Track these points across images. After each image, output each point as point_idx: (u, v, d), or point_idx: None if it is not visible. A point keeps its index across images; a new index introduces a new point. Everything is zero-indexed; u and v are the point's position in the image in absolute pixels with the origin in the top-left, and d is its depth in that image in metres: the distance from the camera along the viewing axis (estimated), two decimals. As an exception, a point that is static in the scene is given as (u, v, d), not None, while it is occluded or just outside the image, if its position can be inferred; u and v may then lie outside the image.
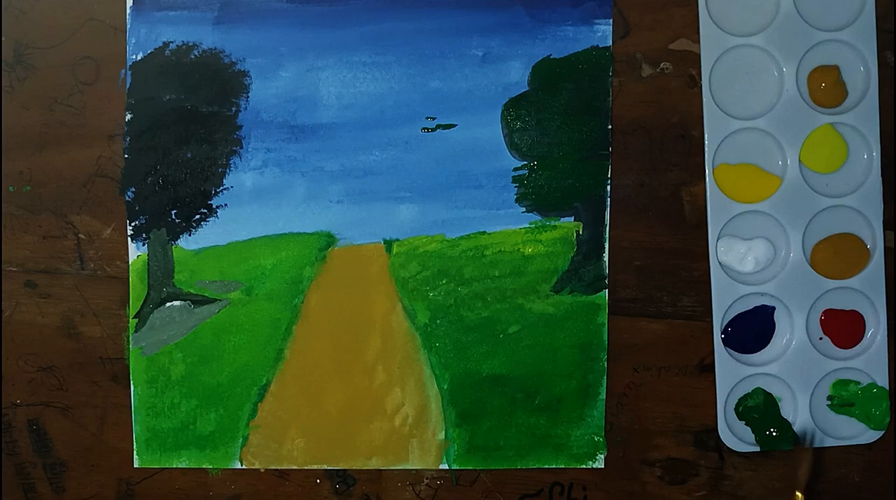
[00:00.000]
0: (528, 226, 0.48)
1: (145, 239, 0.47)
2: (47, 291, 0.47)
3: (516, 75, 0.47)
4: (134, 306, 0.47)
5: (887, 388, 0.49)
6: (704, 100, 0.47)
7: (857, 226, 0.49)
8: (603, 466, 0.49)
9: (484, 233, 0.47)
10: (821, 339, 0.49)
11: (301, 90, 0.47)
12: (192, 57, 0.46)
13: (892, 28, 0.48)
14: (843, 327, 0.49)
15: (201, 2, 0.46)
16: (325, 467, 0.48)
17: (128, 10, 0.46)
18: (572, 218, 0.48)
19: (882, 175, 0.48)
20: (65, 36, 0.46)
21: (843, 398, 0.49)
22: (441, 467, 0.48)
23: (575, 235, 0.48)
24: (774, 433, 0.49)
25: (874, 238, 0.49)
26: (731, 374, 0.48)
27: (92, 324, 0.47)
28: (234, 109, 0.47)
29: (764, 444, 0.49)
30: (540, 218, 0.48)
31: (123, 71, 0.46)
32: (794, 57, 0.47)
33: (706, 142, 0.48)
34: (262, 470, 0.48)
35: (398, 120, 0.47)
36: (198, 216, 0.47)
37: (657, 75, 0.48)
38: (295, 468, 0.48)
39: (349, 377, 0.48)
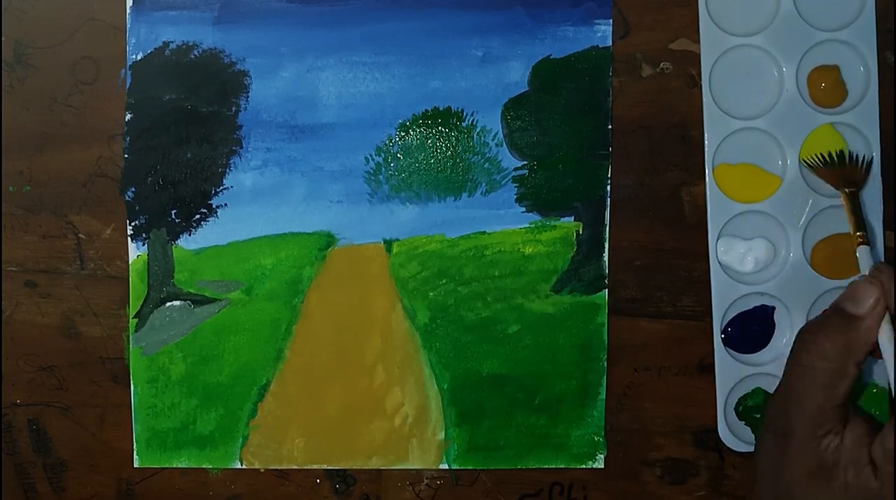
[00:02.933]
0: (528, 226, 0.48)
1: (145, 239, 0.47)
2: (47, 291, 0.47)
3: (516, 75, 0.47)
4: (134, 305, 0.47)
5: (887, 388, 0.49)
6: (704, 100, 0.47)
7: (858, 226, 0.49)
8: (603, 466, 0.49)
9: (484, 233, 0.48)
10: (821, 339, 0.49)
11: (301, 90, 0.47)
12: (192, 57, 0.46)
13: (892, 28, 0.48)
14: (843, 327, 0.49)
15: (201, 2, 0.46)
16: (325, 467, 0.48)
17: (128, 10, 0.46)
18: (572, 218, 0.48)
19: (882, 175, 0.48)
20: (65, 36, 0.46)
21: (843, 398, 0.49)
22: (441, 467, 0.48)
23: (575, 235, 0.48)
24: (774, 433, 0.49)
25: (874, 238, 0.48)
26: (731, 374, 0.48)
27: (92, 324, 0.47)
28: (234, 109, 0.47)
29: (764, 444, 0.49)
30: (540, 218, 0.48)
31: (123, 71, 0.46)
32: (794, 57, 0.47)
33: (706, 142, 0.48)
34: (262, 470, 0.48)
35: (398, 120, 0.47)
36: (198, 216, 0.47)
37: (657, 75, 0.48)
38: (295, 467, 0.48)
39: (349, 377, 0.48)
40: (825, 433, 0.40)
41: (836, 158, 0.47)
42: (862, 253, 0.44)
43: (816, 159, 0.47)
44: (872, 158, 0.47)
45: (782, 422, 0.41)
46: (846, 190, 0.46)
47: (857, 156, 0.47)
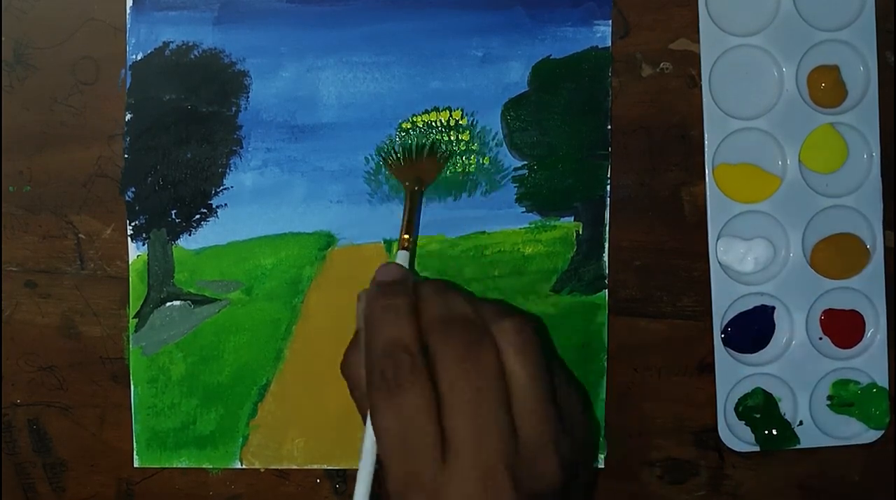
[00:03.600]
0: (527, 226, 0.48)
1: (145, 239, 0.47)
2: (47, 291, 0.47)
3: (516, 75, 0.47)
4: (134, 305, 0.47)
5: (887, 388, 0.49)
6: (704, 100, 0.47)
7: (857, 226, 0.49)
8: (603, 466, 0.49)
9: (484, 233, 0.48)
10: (821, 339, 0.49)
11: (301, 90, 0.47)
12: (192, 57, 0.46)
13: (892, 28, 0.48)
14: (843, 327, 0.49)
15: (201, 2, 0.46)
16: (325, 466, 0.48)
17: (128, 10, 0.46)
18: (572, 218, 0.48)
19: (882, 175, 0.48)
20: (65, 36, 0.46)
21: (843, 398, 0.49)
22: (441, 467, 0.48)
23: (575, 235, 0.48)
24: (774, 433, 0.49)
25: (874, 238, 0.49)
26: (731, 374, 0.49)
27: (92, 324, 0.47)
28: (234, 109, 0.47)
29: (764, 444, 0.49)
30: (540, 218, 0.48)
31: (123, 71, 0.46)
32: (794, 57, 0.47)
33: (706, 142, 0.48)
34: (262, 470, 0.48)
35: (398, 120, 0.47)
36: (198, 216, 0.47)
37: (657, 75, 0.48)
38: (295, 467, 0.48)
39: (349, 377, 0.48)
40: None
41: (414, 151, 0.46)
42: (400, 258, 0.43)
43: (394, 154, 0.46)
44: (451, 153, 0.46)
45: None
46: (415, 188, 0.45)
47: (438, 148, 0.46)
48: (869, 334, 0.49)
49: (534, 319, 0.47)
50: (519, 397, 0.36)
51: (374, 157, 0.47)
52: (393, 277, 0.40)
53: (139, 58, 0.46)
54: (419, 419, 0.35)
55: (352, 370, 0.40)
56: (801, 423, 0.49)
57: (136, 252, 0.47)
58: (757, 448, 0.49)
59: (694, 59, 0.48)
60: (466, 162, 0.47)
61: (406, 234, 0.44)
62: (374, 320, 0.38)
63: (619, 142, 0.48)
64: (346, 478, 0.49)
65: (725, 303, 0.48)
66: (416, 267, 0.47)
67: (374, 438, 0.37)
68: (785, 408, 0.49)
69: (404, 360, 0.36)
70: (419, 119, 0.47)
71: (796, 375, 0.49)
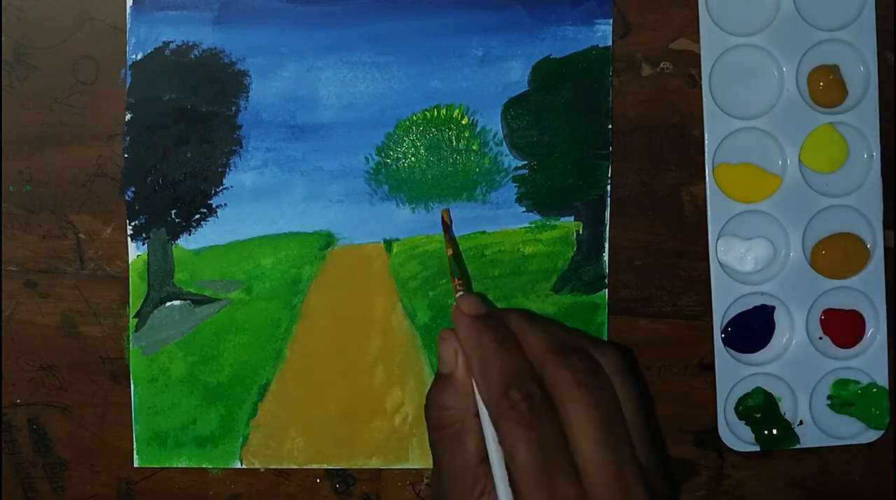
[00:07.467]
0: (527, 226, 0.48)
1: (145, 239, 0.47)
2: (47, 290, 0.47)
3: (516, 75, 0.47)
4: (134, 305, 0.47)
5: (887, 388, 0.49)
6: (704, 100, 0.47)
7: (857, 226, 0.49)
8: (603, 466, 0.49)
9: (484, 233, 0.48)
10: (821, 338, 0.49)
11: (301, 90, 0.47)
12: (192, 57, 0.46)
13: (892, 28, 0.48)
14: (843, 327, 0.49)
15: (201, 2, 0.46)
16: (325, 466, 0.48)
17: (128, 10, 0.46)
18: (572, 218, 0.48)
19: (882, 175, 0.48)
20: (65, 36, 0.46)
21: (843, 398, 0.49)
22: (441, 466, 0.48)
23: (575, 234, 0.48)
24: (774, 433, 0.49)
25: (874, 238, 0.49)
26: (731, 374, 0.49)
27: (92, 324, 0.47)
28: (234, 108, 0.47)
29: (764, 444, 0.49)
30: (540, 218, 0.48)
31: (123, 71, 0.46)
32: (793, 56, 0.47)
33: (706, 142, 0.48)
34: (262, 470, 0.48)
35: (398, 119, 0.47)
36: (198, 216, 0.47)
37: (657, 75, 0.48)
38: (295, 467, 0.48)
39: (349, 377, 0.48)
40: (479, 494, 0.38)
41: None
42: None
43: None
44: None
45: (437, 492, 0.40)
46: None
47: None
48: (869, 334, 0.49)
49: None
50: (632, 423, 0.37)
51: (373, 157, 0.47)
52: (480, 310, 0.40)
53: (139, 58, 0.46)
54: (558, 447, 0.35)
55: (438, 411, 0.40)
56: (801, 423, 0.49)
57: (136, 252, 0.47)
58: (757, 448, 0.49)
59: (694, 59, 0.48)
60: (467, 162, 0.47)
61: (459, 279, 0.42)
62: (486, 354, 0.38)
63: (619, 142, 0.48)
64: (346, 478, 0.49)
65: (725, 303, 0.48)
66: (419, 264, 0.47)
67: (505, 470, 0.36)
68: (785, 408, 0.49)
69: (534, 391, 0.36)
70: (419, 116, 0.47)
71: (796, 375, 0.49)
